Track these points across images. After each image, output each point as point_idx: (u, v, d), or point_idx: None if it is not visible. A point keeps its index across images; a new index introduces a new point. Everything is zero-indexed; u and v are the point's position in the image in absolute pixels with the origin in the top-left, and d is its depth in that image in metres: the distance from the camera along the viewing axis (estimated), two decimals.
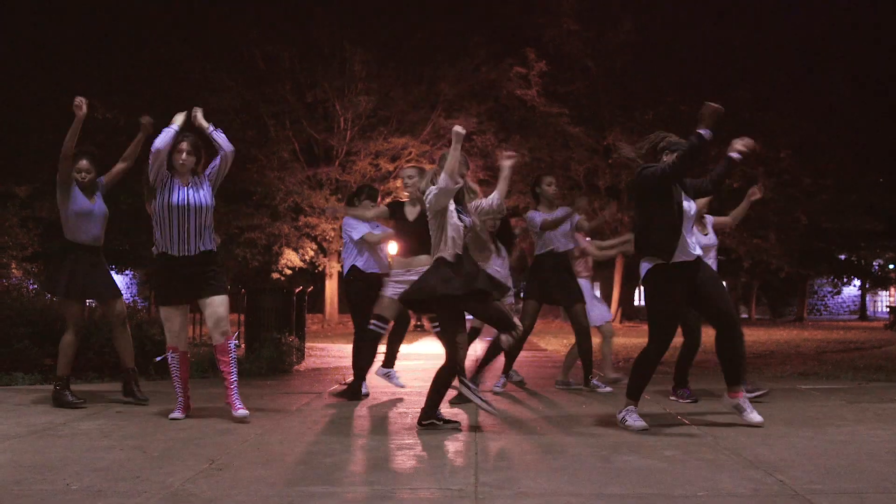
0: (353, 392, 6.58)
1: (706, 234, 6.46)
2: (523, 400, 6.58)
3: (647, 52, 25.59)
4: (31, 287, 10.09)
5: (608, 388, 7.06)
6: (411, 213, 6.52)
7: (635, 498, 3.37)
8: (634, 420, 4.99)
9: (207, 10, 23.32)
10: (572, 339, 7.35)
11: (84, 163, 6.14)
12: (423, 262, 6.46)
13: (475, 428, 5.09)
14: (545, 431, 5.00)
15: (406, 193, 6.68)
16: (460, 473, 3.80)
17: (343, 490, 3.48)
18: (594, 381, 7.14)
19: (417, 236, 6.37)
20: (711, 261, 6.37)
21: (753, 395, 6.05)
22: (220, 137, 5.47)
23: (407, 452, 4.31)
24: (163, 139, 5.27)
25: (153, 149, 5.27)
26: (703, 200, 6.19)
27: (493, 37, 26.13)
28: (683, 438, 4.71)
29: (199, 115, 5.45)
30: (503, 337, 5.12)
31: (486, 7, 26.74)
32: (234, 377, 5.36)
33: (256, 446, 4.46)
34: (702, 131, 4.74)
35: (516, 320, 5.17)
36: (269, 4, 24.32)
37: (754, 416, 5.08)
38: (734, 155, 5.02)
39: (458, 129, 4.96)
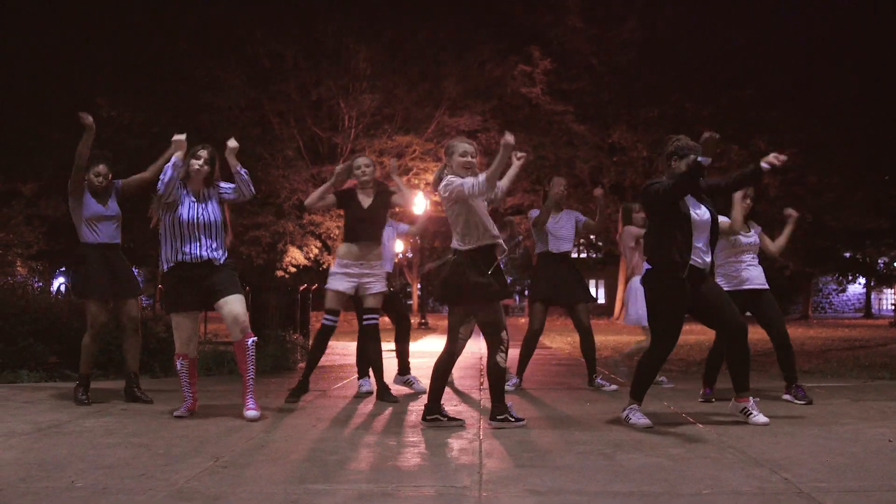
0: (301, 388, 6.21)
1: (748, 234, 6.41)
2: (527, 398, 6.58)
3: (651, 49, 25.56)
4: (36, 285, 10.11)
5: (613, 387, 7.05)
6: (365, 201, 6.39)
7: (640, 496, 3.36)
8: (638, 418, 5.01)
9: (212, 9, 23.36)
10: (577, 338, 7.31)
11: (102, 167, 6.19)
12: (378, 257, 6.36)
13: (479, 426, 5.09)
14: (549, 429, 4.99)
15: (363, 180, 6.39)
16: (464, 471, 3.80)
17: (347, 487, 3.48)
18: (598, 380, 7.13)
19: (371, 224, 6.29)
20: (752, 258, 6.32)
21: (801, 402, 6.05)
22: (243, 180, 5.57)
23: (411, 450, 4.31)
24: (166, 180, 5.31)
25: (158, 189, 5.35)
26: (741, 203, 6.18)
27: (497, 34, 26.13)
28: (688, 436, 4.70)
29: (231, 148, 5.51)
30: (498, 357, 5.01)
31: (490, 5, 26.74)
32: (251, 375, 5.38)
33: (261, 444, 4.46)
34: (701, 159, 4.81)
35: (504, 335, 5.07)
36: (273, 3, 24.36)
37: (760, 418, 5.10)
38: (764, 165, 5.08)
39: (508, 138, 4.84)
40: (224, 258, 5.52)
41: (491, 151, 25.90)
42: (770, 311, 6.22)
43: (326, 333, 6.30)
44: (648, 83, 25.97)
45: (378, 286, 6.36)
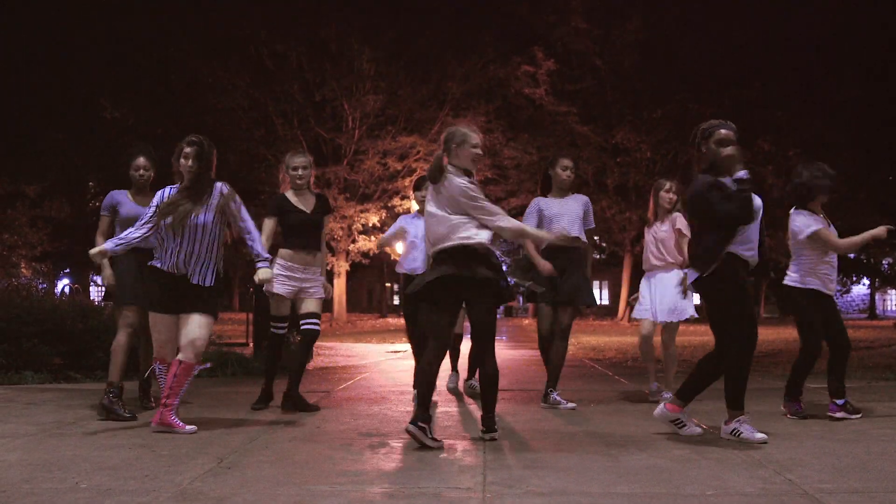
0: (265, 397, 6.00)
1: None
2: (531, 400, 6.57)
3: (655, 49, 25.57)
4: (40, 286, 10.13)
5: (571, 405, 6.10)
6: (305, 202, 5.97)
7: (644, 497, 3.36)
8: (751, 432, 4.58)
9: (215, 10, 23.39)
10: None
11: (141, 159, 5.78)
12: (320, 263, 6.00)
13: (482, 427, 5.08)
14: (552, 431, 4.99)
15: (299, 183, 5.93)
16: (469, 472, 3.79)
17: (351, 489, 3.48)
18: (554, 395, 6.17)
19: (312, 231, 5.94)
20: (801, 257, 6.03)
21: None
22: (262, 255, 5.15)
23: (415, 452, 4.30)
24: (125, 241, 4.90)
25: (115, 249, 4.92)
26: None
27: (501, 35, 26.16)
28: (692, 438, 4.69)
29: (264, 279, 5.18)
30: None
31: (494, 5, 26.75)
32: (176, 401, 4.86)
33: (264, 445, 4.46)
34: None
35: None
36: (276, 3, 24.38)
37: (694, 430, 4.79)
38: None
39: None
40: (209, 280, 4.97)
41: (494, 153, 25.96)
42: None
43: (277, 343, 6.03)
44: (652, 83, 25.98)
45: (319, 292, 5.96)
